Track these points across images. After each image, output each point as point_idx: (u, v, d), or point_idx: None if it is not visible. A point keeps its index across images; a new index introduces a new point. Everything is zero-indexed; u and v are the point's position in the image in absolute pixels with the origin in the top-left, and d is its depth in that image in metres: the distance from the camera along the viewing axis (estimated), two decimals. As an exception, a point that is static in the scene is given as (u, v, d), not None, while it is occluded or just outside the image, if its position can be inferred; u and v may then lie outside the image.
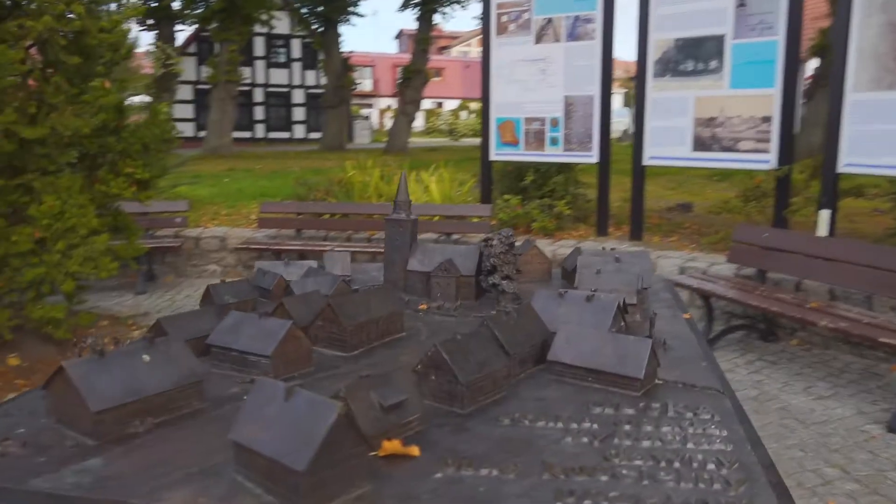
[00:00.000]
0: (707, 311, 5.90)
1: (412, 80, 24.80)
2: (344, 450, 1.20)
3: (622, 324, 1.96)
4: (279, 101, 34.91)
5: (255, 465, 1.23)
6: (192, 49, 31.82)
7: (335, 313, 1.95)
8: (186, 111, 31.75)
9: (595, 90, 8.24)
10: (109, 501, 1.21)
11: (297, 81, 35.26)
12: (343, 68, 26.66)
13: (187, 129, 31.05)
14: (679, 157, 7.72)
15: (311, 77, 35.07)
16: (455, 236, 8.41)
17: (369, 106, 45.72)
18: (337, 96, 26.62)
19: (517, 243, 2.56)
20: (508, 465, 1.31)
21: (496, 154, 8.95)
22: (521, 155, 8.82)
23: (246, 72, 30.30)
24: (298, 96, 35.37)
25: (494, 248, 2.36)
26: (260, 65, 34.15)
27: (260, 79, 34.17)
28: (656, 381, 1.70)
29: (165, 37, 25.49)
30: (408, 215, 2.61)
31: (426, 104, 43.59)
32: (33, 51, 5.12)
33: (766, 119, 6.98)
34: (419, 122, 44.78)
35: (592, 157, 8.36)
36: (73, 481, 1.27)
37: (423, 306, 2.43)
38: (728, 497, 1.19)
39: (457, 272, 2.48)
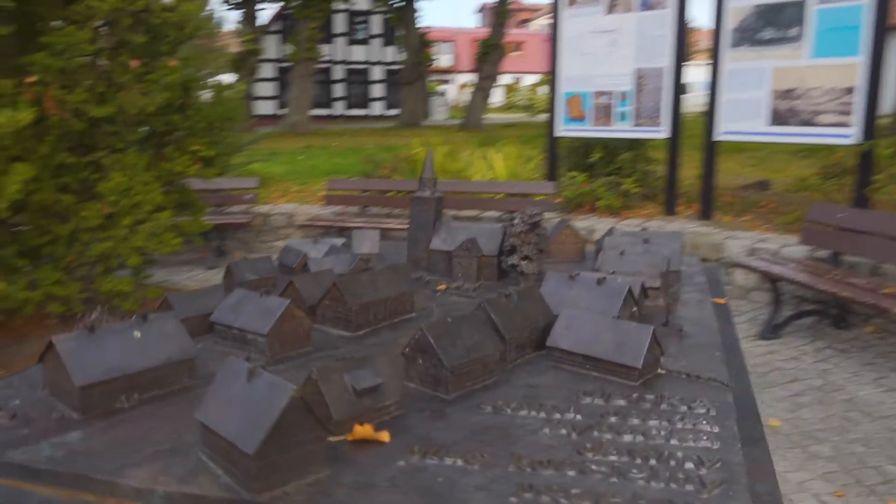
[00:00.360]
0: (774, 295, 5.63)
1: (489, 54, 24.56)
2: (299, 434, 1.18)
3: (634, 309, 1.87)
4: (358, 77, 35.22)
5: (217, 445, 1.23)
6: (275, 27, 32.39)
7: (340, 292, 1.93)
8: (269, 89, 32.42)
9: (667, 62, 7.94)
10: (73, 476, 1.23)
11: (376, 58, 35.47)
12: (420, 44, 26.64)
13: (269, 108, 31.75)
14: (754, 131, 7.37)
15: (390, 53, 35.20)
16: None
17: (448, 82, 45.61)
18: (414, 72, 26.65)
19: (549, 223, 2.48)
20: (476, 454, 1.26)
21: (563, 130, 8.76)
22: (589, 130, 8.60)
23: (326, 49, 30.71)
24: (377, 73, 35.60)
25: (515, 228, 2.29)
26: (340, 42, 34.48)
27: (340, 56, 34.52)
28: (659, 370, 1.62)
29: (249, 15, 26.09)
30: (432, 193, 2.57)
31: (506, 79, 43.17)
32: (103, 31, 5.28)
33: (849, 90, 6.56)
34: (498, 98, 44.42)
35: (662, 132, 8.08)
36: (48, 454, 1.29)
37: (442, 286, 2.39)
38: (698, 499, 1.11)
39: (478, 252, 2.42)
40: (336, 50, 34.17)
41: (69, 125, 4.99)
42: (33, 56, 4.64)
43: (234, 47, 27.42)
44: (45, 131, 5.00)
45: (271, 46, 31.14)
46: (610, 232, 2.66)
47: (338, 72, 34.57)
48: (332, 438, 1.33)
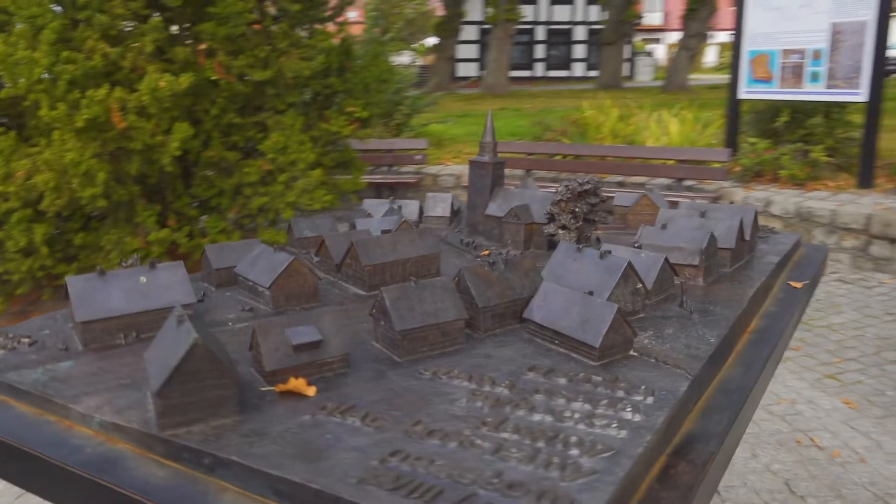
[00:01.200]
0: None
1: (697, 10, 23.11)
2: (206, 379, 1.27)
3: (638, 286, 1.75)
4: (560, 38, 34.72)
5: (148, 383, 1.35)
6: (480, -11, 32.71)
7: (356, 252, 2.00)
8: (471, 51, 32.94)
9: (870, 14, 7.04)
10: (42, 398, 1.42)
11: (579, 17, 34.70)
12: (625, 1, 25.64)
13: (471, 70, 32.28)
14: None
15: (594, 12, 34.27)
16: (688, 182, 7.87)
17: (657, 41, 43.54)
18: (617, 32, 25.76)
19: (717, 194, 2.37)
20: (378, 417, 1.28)
21: (746, 91, 8.12)
22: (775, 93, 7.90)
23: (529, 10, 30.50)
24: (580, 33, 34.85)
25: (556, 195, 2.22)
26: (543, 2, 34.11)
27: (542, 16, 34.18)
28: (632, 352, 1.52)
29: (453, -21, 26.53)
30: (491, 157, 2.54)
31: (721, 37, 40.29)
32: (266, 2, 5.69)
33: None
34: (712, 58, 41.71)
35: (860, 94, 7.22)
36: (35, 378, 1.50)
37: (486, 252, 2.37)
38: (556, 486, 1.06)
39: (528, 218, 2.37)
40: (539, 10, 33.86)
41: (235, 88, 5.45)
42: (203, 25, 5.11)
43: (439, 10, 28.06)
44: (216, 93, 5.51)
45: (476, 8, 31.52)
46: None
47: (539, 32, 34.29)
48: (262, 388, 1.41)
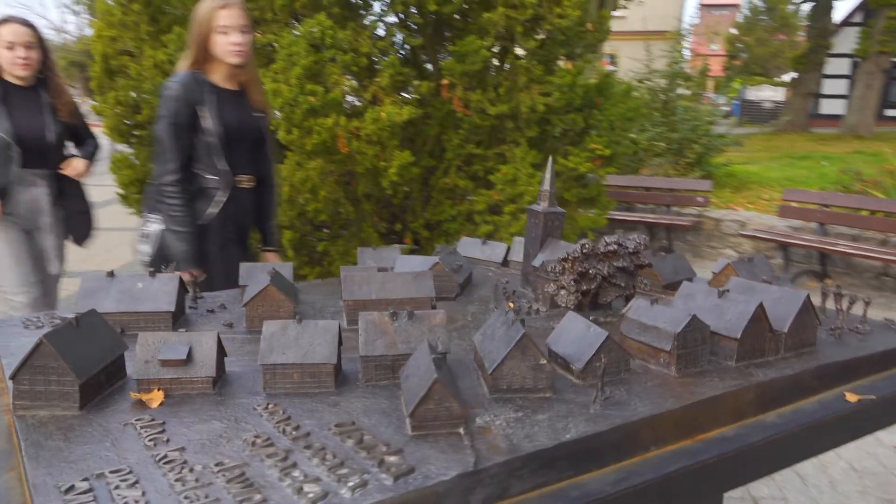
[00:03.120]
0: None
1: None
2: (51, 374, 1.49)
3: (541, 362, 1.56)
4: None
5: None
6: (857, 18, 29.23)
7: (345, 286, 2.09)
8: (838, 87, 29.57)
9: None
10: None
11: None
12: None
13: (836, 107, 28.97)
14: None
15: None
16: None
17: None
18: None
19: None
20: (156, 436, 1.38)
21: None
22: None
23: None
24: None
25: (567, 253, 2.05)
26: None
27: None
28: (460, 430, 1.39)
29: (823, 6, 24.20)
30: (545, 207, 2.41)
31: None
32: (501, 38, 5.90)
33: None
34: None
35: None
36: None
37: (511, 304, 2.27)
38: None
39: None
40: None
41: (473, 121, 5.76)
42: (445, 62, 5.50)
43: (801, 41, 25.81)
44: (457, 125, 5.88)
45: (848, 39, 28.22)
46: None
47: (930, 67, 29.41)
48: (132, 393, 1.59)
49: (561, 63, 5.83)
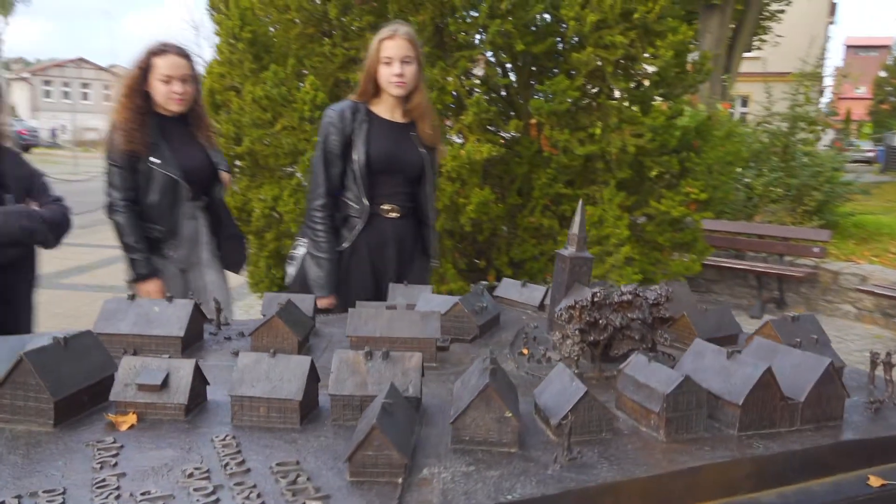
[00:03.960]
0: None
1: None
2: (28, 392, 1.55)
3: (507, 415, 1.47)
4: None
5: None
6: None
7: (352, 326, 2.08)
8: None
9: None
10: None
11: None
12: None
13: None
14: None
15: None
16: None
17: None
18: None
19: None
20: (105, 458, 1.41)
21: None
22: None
23: None
24: None
25: (571, 304, 1.94)
26: None
27: None
28: (347, 477, 1.33)
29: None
30: (573, 252, 2.31)
31: None
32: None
33: None
34: None
35: None
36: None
37: (525, 351, 2.18)
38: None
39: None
40: None
41: (561, 160, 5.67)
42: (532, 101, 5.47)
43: None
44: (546, 164, 5.81)
45: None
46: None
47: None
48: (106, 415, 1.63)
49: (656, 103, 5.66)
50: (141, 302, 2.13)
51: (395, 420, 1.39)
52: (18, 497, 1.26)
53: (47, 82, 51.40)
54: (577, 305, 1.93)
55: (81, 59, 53.20)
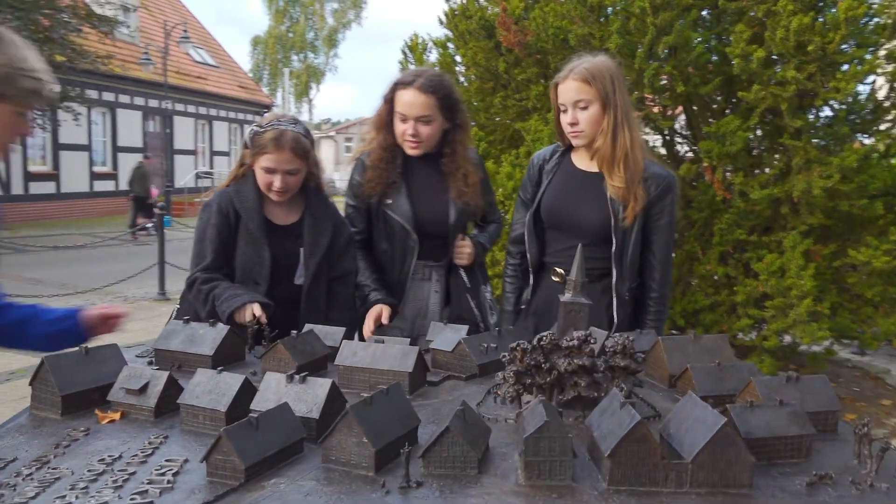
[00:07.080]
0: None
1: None
2: (48, 386, 2.00)
3: (364, 440, 1.57)
4: None
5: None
6: None
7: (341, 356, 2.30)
8: None
9: None
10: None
11: None
12: None
13: None
14: None
15: None
16: None
17: None
18: None
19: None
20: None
21: None
22: None
23: None
24: None
25: (526, 350, 1.97)
26: None
27: None
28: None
29: None
30: (569, 297, 2.29)
31: None
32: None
33: None
34: None
35: None
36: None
37: (500, 393, 2.21)
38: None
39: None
40: None
41: (740, 205, 5.33)
42: (702, 143, 5.24)
43: None
44: (726, 208, 5.50)
45: None
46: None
47: None
48: (96, 410, 2.02)
49: (847, 144, 5.10)
50: (194, 325, 2.55)
51: (247, 432, 1.59)
52: (-20, 457, 1.67)
53: (348, 139, 58.16)
54: (518, 347, 1.95)
55: (378, 117, 59.45)
